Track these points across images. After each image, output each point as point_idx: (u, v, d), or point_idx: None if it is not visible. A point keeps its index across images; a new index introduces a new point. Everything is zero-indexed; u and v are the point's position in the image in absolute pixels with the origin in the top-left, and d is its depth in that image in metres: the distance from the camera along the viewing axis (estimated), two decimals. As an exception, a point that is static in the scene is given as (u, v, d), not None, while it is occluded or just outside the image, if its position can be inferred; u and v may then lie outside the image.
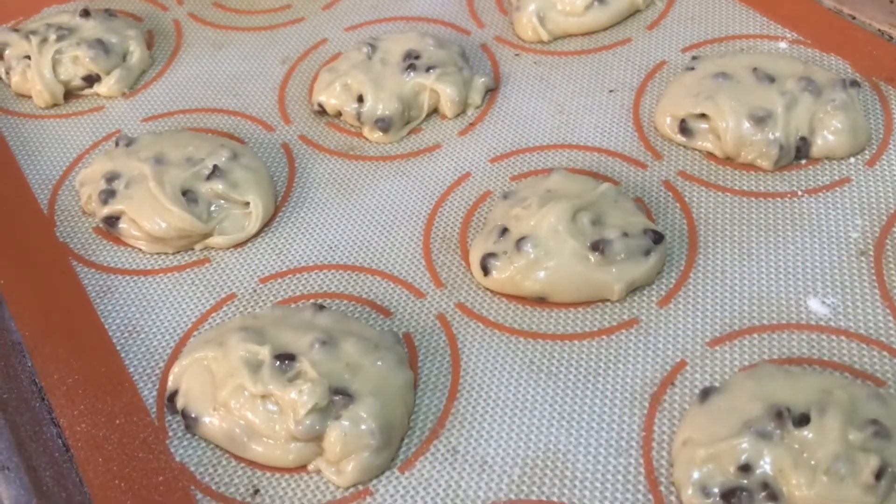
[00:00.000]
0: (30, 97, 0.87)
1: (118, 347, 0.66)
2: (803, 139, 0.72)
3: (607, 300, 0.65)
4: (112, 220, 0.73)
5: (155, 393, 0.63)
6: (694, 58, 0.79)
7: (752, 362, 0.60)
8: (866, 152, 0.73)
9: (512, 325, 0.65)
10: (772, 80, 0.73)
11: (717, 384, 0.58)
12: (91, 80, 0.87)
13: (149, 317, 0.68)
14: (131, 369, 0.65)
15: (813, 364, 0.60)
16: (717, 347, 0.62)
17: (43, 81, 0.85)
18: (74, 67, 0.86)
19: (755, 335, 0.62)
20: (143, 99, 0.87)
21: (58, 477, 0.59)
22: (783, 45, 0.82)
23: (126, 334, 0.67)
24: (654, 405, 0.59)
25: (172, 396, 0.61)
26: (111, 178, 0.74)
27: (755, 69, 0.74)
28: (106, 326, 0.68)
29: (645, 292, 0.65)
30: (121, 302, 0.70)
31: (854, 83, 0.74)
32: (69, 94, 0.87)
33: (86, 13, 0.89)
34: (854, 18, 0.84)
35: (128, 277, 0.71)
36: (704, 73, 0.76)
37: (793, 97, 0.72)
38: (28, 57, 0.86)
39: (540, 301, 0.65)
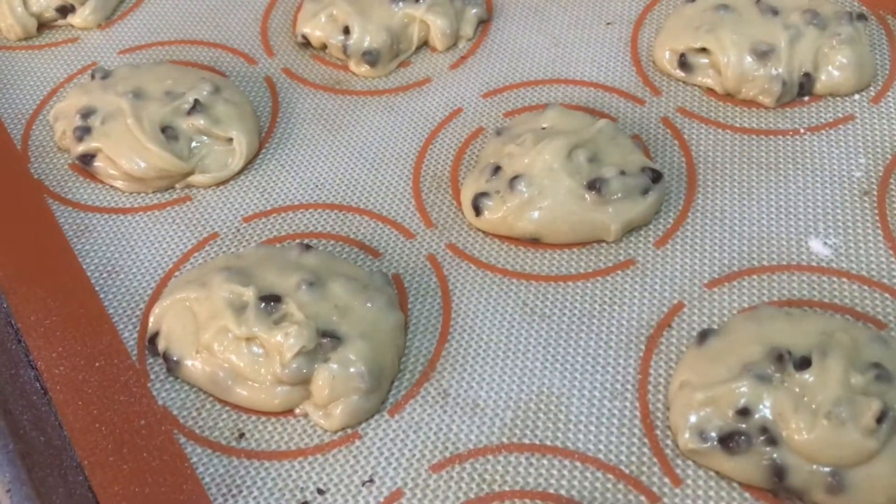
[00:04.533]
0: (-1, 29, 0.84)
1: (97, 288, 0.64)
2: (807, 75, 0.70)
3: (603, 241, 0.63)
4: (87, 158, 0.70)
5: (136, 335, 0.62)
6: (695, -11, 0.77)
7: (751, 304, 0.59)
8: (871, 89, 0.71)
9: (504, 267, 0.63)
10: (775, 12, 0.71)
11: (715, 326, 0.57)
12: (65, 10, 0.83)
13: (128, 256, 0.66)
14: (111, 310, 0.63)
15: (814, 306, 0.59)
16: (716, 289, 0.60)
17: (14, 15, 0.82)
18: (47, -2, 0.83)
19: (755, 276, 0.61)
20: (120, 30, 0.83)
21: (35, 421, 0.57)
22: (787, -24, 0.79)
23: (105, 274, 0.65)
24: (650, 348, 0.58)
25: (153, 338, 0.60)
26: (87, 113, 0.71)
27: (758, 1, 0.72)
28: (84, 266, 0.66)
29: (642, 232, 0.64)
30: (99, 241, 0.67)
31: (861, 16, 0.72)
32: (42, 25, 0.84)
33: (58, -61, 0.85)
34: (861, -51, 0.81)
35: (106, 216, 0.69)
36: (705, 5, 0.73)
37: (797, 31, 0.70)
38: (-4, -12, 0.82)
39: (534, 242, 0.64)
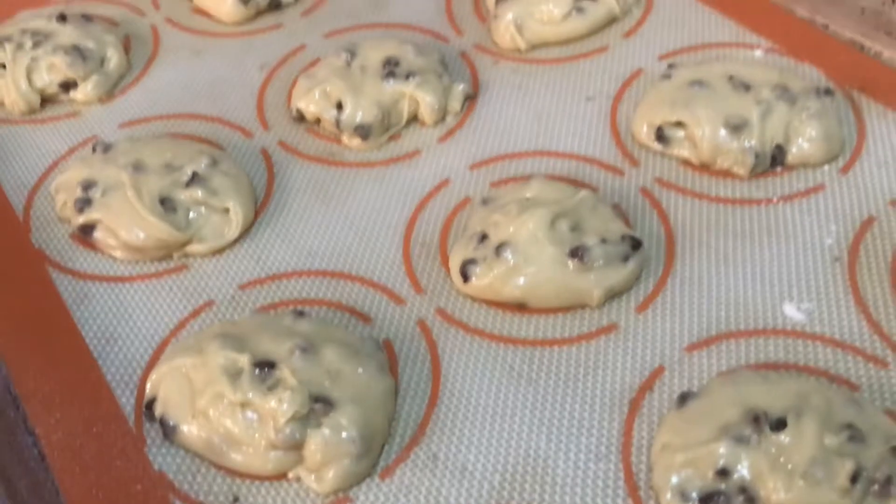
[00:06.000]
0: (3, 104, 0.86)
1: (95, 355, 0.66)
2: (779, 147, 0.72)
3: (586, 306, 0.65)
4: (88, 229, 0.72)
5: (133, 401, 0.63)
6: (670, 66, 0.80)
7: (729, 367, 0.61)
8: (840, 160, 0.73)
9: (492, 332, 0.65)
10: (747, 88, 0.74)
11: (694, 389, 0.59)
12: (67, 86, 0.86)
13: (126, 324, 0.68)
14: (109, 377, 0.64)
15: (789, 369, 0.61)
16: (695, 353, 0.62)
17: (18, 91, 0.84)
18: (50, 74, 0.85)
19: (732, 341, 0.63)
20: (121, 104, 0.86)
21: (34, 486, 0.58)
22: (758, 53, 0.83)
23: (103, 342, 0.67)
24: (633, 410, 0.60)
25: (150, 404, 0.61)
26: (87, 185, 0.73)
27: (731, 77, 0.75)
28: (83, 334, 0.67)
29: (623, 298, 0.66)
30: (98, 309, 0.69)
31: (828, 91, 0.75)
32: (45, 100, 0.86)
33: (62, 18, 0.89)
34: (827, 28, 0.85)
35: (105, 284, 0.71)
36: (681, 81, 0.77)
37: (768, 105, 0.73)
38: (3, 66, 0.85)
39: (520, 307, 0.66)
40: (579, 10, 0.86)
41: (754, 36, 0.85)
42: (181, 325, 0.68)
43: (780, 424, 0.53)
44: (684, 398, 0.57)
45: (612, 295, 0.65)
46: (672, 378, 0.61)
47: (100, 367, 0.65)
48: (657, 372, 0.61)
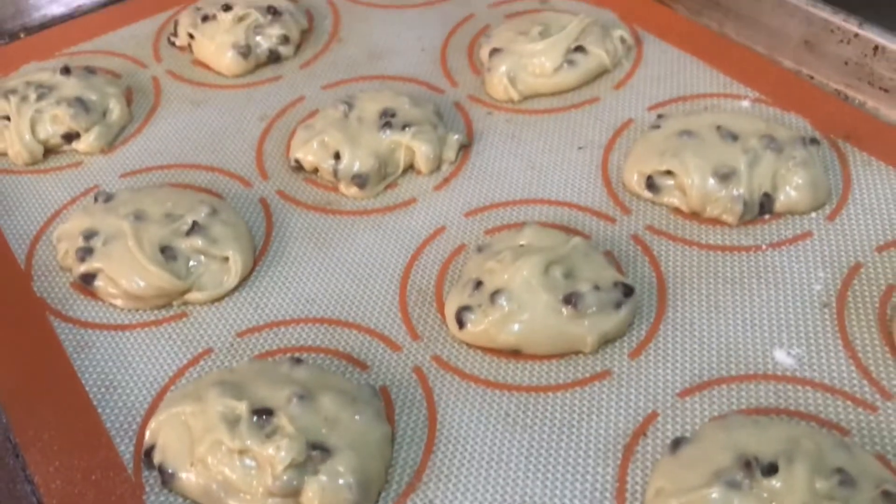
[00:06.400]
0: (6, 154, 0.88)
1: (95, 403, 0.66)
2: (766, 195, 0.74)
3: (580, 352, 0.66)
4: (88, 278, 0.73)
5: (132, 448, 0.63)
6: (660, 116, 0.82)
7: (721, 412, 0.62)
8: (827, 207, 0.75)
9: (487, 378, 0.66)
10: (735, 137, 0.76)
11: (687, 434, 0.60)
12: (70, 137, 0.87)
13: (126, 372, 0.68)
14: (108, 424, 0.65)
15: (780, 414, 0.61)
16: (688, 398, 0.63)
17: (22, 142, 0.86)
18: (54, 126, 0.87)
19: (724, 386, 0.63)
20: (122, 155, 0.88)
21: (32, 535, 0.58)
22: (745, 103, 0.85)
23: (103, 389, 0.67)
24: (626, 456, 0.60)
25: (149, 451, 0.61)
26: (89, 235, 0.74)
27: (719, 127, 0.77)
28: (83, 382, 0.68)
29: (616, 344, 0.67)
30: (98, 357, 0.70)
31: (814, 141, 0.77)
32: (48, 150, 0.88)
33: (66, 70, 0.91)
34: (812, 78, 0.88)
35: (105, 332, 0.72)
36: (670, 131, 0.78)
37: (755, 154, 0.74)
38: (7, 117, 0.87)
39: (514, 353, 0.67)
40: (570, 62, 0.88)
41: (741, 87, 0.87)
42: (180, 372, 0.68)
43: (771, 469, 0.54)
44: (677, 443, 0.58)
45: (606, 341, 0.66)
46: (665, 423, 0.62)
47: (99, 415, 0.65)
48: (650, 417, 0.62)
